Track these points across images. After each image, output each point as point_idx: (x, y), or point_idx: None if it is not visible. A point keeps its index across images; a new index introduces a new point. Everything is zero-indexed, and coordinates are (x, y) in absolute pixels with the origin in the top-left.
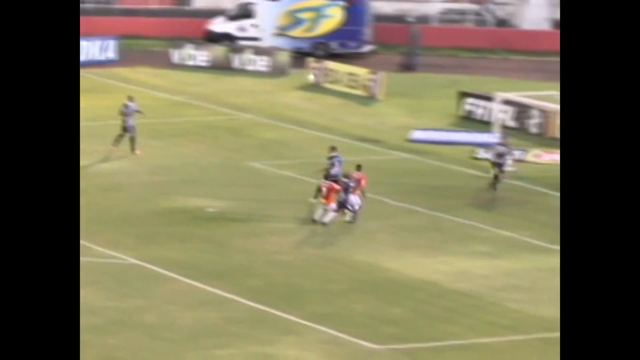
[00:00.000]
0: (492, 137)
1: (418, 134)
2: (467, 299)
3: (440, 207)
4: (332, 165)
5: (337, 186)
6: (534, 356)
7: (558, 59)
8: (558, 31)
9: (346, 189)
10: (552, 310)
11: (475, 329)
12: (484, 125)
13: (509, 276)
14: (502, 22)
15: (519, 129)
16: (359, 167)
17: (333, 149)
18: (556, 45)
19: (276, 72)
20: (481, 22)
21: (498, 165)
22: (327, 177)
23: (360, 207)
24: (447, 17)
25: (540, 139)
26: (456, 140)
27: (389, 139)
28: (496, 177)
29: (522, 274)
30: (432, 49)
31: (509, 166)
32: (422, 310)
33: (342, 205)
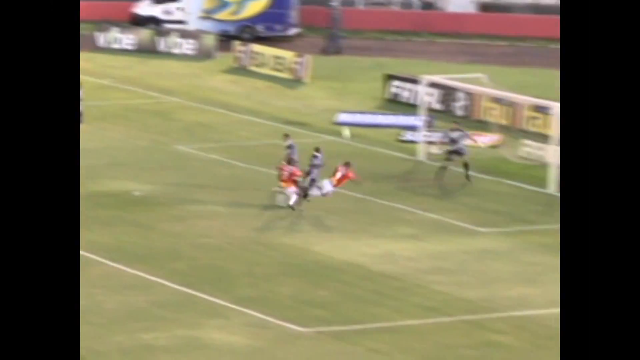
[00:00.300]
0: (418, 120)
1: (344, 117)
2: (392, 281)
3: (367, 190)
4: (292, 152)
5: (298, 172)
6: (460, 338)
7: (483, 41)
8: (483, 14)
9: (309, 174)
10: (477, 292)
11: (401, 311)
12: (410, 107)
13: (435, 258)
14: (427, 5)
15: (445, 112)
16: (347, 164)
17: (286, 136)
18: (481, 27)
19: (202, 55)
20: (407, 5)
21: (455, 152)
22: (289, 162)
23: (327, 194)
24: (373, 0)
25: (467, 122)
26: (382, 123)
27: (315, 122)
28: (466, 165)
29: (448, 256)
30: (358, 32)
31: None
32: (348, 292)
33: (304, 190)
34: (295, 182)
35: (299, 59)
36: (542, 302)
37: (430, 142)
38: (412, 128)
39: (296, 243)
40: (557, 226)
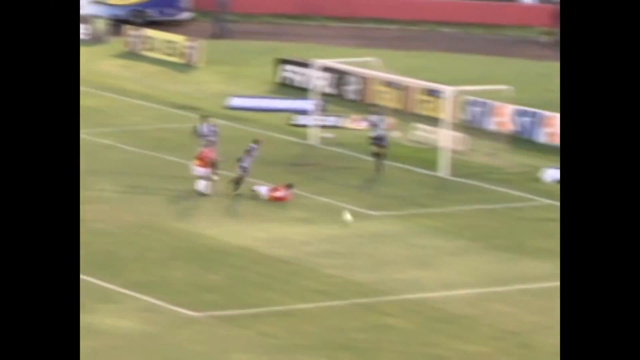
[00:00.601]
0: (310, 104)
1: (236, 101)
2: (285, 265)
3: (259, 173)
4: (209, 136)
5: (211, 154)
6: (352, 321)
7: (374, 25)
8: None
9: (240, 160)
10: (368, 275)
11: (293, 295)
12: (302, 92)
13: (327, 242)
14: None
15: (337, 96)
16: (289, 185)
17: (204, 118)
18: (372, 11)
19: (93, 39)
20: None
21: (377, 138)
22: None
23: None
24: None
25: (358, 106)
26: (274, 107)
27: (207, 106)
28: (378, 155)
29: (340, 240)
30: (250, 16)
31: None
32: (240, 276)
33: (238, 180)
34: (207, 164)
35: (190, 44)
36: (434, 285)
37: (323, 126)
38: (304, 112)
39: (188, 228)
40: (449, 209)
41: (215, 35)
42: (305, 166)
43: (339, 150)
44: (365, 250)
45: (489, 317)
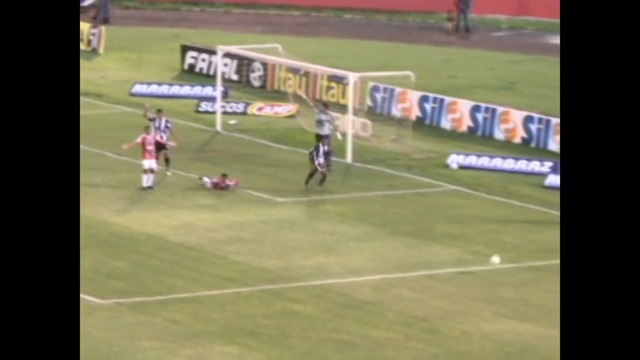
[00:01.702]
0: (214, 91)
1: (140, 88)
2: (191, 252)
3: (163, 161)
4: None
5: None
6: (259, 307)
7: (277, 11)
8: None
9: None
10: (275, 262)
11: (200, 282)
12: (207, 78)
13: (233, 229)
14: None
15: (241, 82)
16: (224, 175)
17: (159, 112)
18: None
19: None
20: None
21: (322, 137)
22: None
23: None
24: None
25: (262, 92)
26: (179, 94)
27: (111, 93)
28: (327, 153)
29: (246, 226)
30: (153, 3)
31: (333, 131)
32: (146, 263)
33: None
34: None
35: (93, 30)
36: (340, 271)
37: (226, 113)
38: (209, 99)
39: (93, 214)
40: (354, 195)
41: (95, 20)
42: (210, 153)
43: (244, 136)
44: (271, 237)
45: (395, 303)
